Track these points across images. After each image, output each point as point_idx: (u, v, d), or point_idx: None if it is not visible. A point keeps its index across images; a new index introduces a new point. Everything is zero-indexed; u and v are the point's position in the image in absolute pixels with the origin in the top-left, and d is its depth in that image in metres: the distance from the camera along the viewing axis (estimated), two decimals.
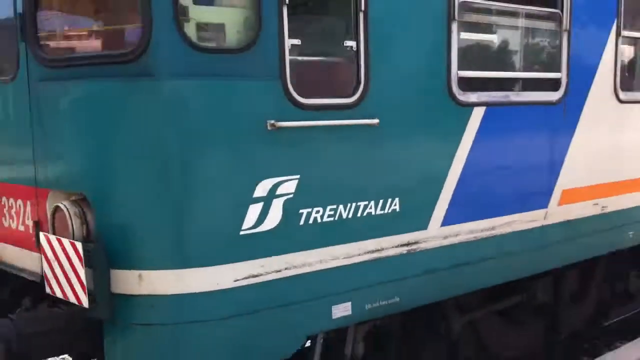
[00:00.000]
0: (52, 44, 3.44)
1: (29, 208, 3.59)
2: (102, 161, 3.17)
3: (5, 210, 3.81)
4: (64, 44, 3.52)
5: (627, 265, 6.22)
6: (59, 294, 3.14)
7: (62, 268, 3.08)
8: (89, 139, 3.20)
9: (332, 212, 3.52)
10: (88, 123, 3.19)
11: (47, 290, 3.22)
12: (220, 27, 3.22)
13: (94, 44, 3.38)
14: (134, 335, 3.16)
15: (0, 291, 4.04)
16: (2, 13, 3.60)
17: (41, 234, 3.20)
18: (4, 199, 3.81)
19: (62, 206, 3.20)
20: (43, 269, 3.23)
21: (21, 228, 3.68)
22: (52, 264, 3.13)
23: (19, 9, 3.40)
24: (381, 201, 3.72)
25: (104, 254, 3.04)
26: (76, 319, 3.22)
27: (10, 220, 3.77)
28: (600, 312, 6.15)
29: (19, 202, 3.67)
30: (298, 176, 3.36)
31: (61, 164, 3.33)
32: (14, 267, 3.77)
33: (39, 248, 3.48)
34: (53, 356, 3.40)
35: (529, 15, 4.58)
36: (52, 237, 3.11)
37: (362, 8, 3.51)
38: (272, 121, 3.23)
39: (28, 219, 3.61)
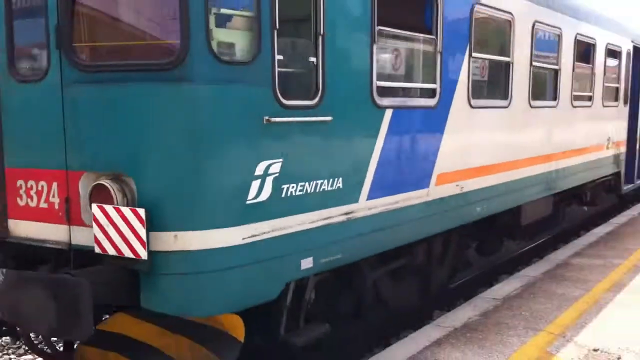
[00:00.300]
0: (89, 52, 4.19)
1: (55, 188, 4.28)
2: (143, 147, 4.02)
3: (22, 192, 4.44)
4: (101, 52, 4.27)
5: (469, 237, 7.97)
6: (111, 252, 3.92)
7: (119, 230, 3.88)
8: (132, 130, 4.02)
9: (301, 188, 4.63)
10: (132, 117, 4.02)
11: (97, 250, 3.98)
12: (232, 45, 4.18)
13: (131, 54, 4.18)
14: (168, 283, 4.03)
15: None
16: (32, 25, 4.30)
17: (94, 205, 3.94)
18: (20, 182, 4.44)
19: (105, 183, 3.99)
20: (93, 233, 3.98)
21: (44, 205, 4.35)
22: (106, 228, 3.91)
23: (55, 21, 4.12)
24: (331, 180, 4.90)
25: (149, 219, 3.90)
26: (120, 273, 4.02)
27: (29, 200, 4.41)
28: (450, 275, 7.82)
29: (42, 183, 4.34)
30: (282, 159, 4.42)
31: (99, 150, 4.10)
32: (33, 239, 4.42)
33: (68, 220, 4.24)
34: (108, 303, 4.13)
35: (417, 40, 5.99)
36: (109, 207, 3.89)
37: (321, 32, 4.67)
38: (267, 117, 4.28)
39: (53, 197, 4.30)
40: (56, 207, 4.30)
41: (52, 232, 4.34)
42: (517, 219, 8.47)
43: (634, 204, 14.46)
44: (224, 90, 4.05)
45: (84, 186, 4.15)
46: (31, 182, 4.39)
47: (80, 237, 4.21)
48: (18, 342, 7.17)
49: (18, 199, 4.47)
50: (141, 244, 3.84)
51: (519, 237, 9.38)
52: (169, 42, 4.04)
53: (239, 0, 4.24)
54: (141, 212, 3.83)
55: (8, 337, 6.56)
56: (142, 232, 3.83)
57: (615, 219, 12.59)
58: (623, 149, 12.29)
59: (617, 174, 12.23)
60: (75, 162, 4.17)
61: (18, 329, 4.93)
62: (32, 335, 5.29)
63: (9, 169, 4.47)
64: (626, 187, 12.73)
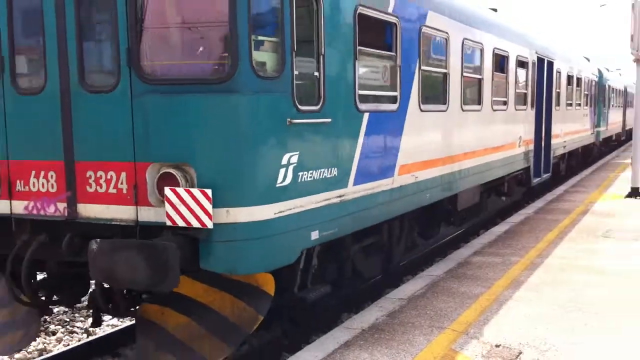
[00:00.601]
0: (154, 68, 5.31)
1: (123, 177, 5.35)
2: (201, 142, 5.17)
3: (91, 181, 5.48)
4: (164, 68, 5.37)
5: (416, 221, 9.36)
6: (181, 224, 5.02)
7: (189, 207, 5.01)
8: (191, 129, 5.17)
9: (310, 175, 5.90)
10: (191, 119, 5.16)
11: (168, 223, 5.05)
12: (264, 64, 5.39)
13: (189, 70, 5.33)
14: (221, 248, 5.17)
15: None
16: (101, 47, 5.45)
17: (167, 188, 5.03)
18: (90, 172, 5.48)
19: (171, 171, 5.12)
20: (184, 212, 5.01)
21: (112, 191, 5.40)
22: (177, 206, 5.01)
23: (125, 44, 5.22)
24: (329, 169, 6.19)
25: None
26: (185, 241, 5.14)
27: (98, 187, 5.45)
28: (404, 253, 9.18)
29: (111, 173, 5.40)
30: (298, 152, 5.66)
31: (164, 146, 5.21)
32: (101, 219, 5.46)
33: (135, 202, 5.33)
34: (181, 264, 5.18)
35: (384, 57, 7.37)
36: (180, 189, 5.01)
37: (322, 52, 5.96)
38: (289, 119, 5.52)
39: (121, 184, 5.36)
40: (124, 192, 5.37)
41: (119, 212, 5.41)
42: (454, 205, 10.09)
43: (539, 197, 16.29)
44: (260, 99, 5.29)
45: (150, 174, 5.26)
46: (100, 173, 5.45)
47: (146, 215, 5.32)
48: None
49: (87, 187, 5.51)
50: (208, 216, 5.00)
51: (455, 222, 10.99)
52: (221, 62, 5.24)
53: (269, 29, 5.45)
54: (208, 192, 4.99)
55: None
56: (209, 207, 4.99)
57: (512, 217, 13.17)
58: (531, 146, 14.19)
59: (527, 169, 14.13)
60: (143, 155, 5.28)
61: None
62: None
63: (79, 162, 5.52)
64: (535, 180, 14.76)
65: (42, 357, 7.37)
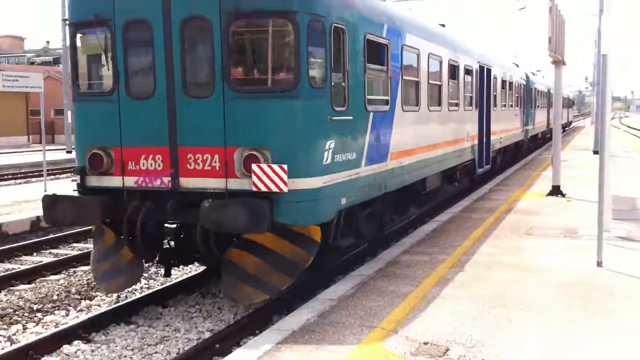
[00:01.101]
0: (241, 81, 7.67)
1: (216, 157, 7.60)
2: (274, 133, 7.50)
3: (191, 161, 7.72)
4: (248, 80, 7.73)
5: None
6: (263, 189, 7.29)
7: (270, 177, 7.26)
8: (267, 124, 7.49)
9: (340, 157, 8.23)
10: (267, 117, 7.50)
11: (254, 189, 7.31)
12: (314, 78, 7.71)
13: (265, 83, 7.65)
14: (288, 206, 7.43)
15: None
16: (199, 65, 7.82)
17: (254, 165, 7.30)
18: (190, 155, 7.71)
19: (255, 153, 7.40)
20: (266, 181, 7.25)
21: (207, 168, 7.66)
22: (262, 177, 7.28)
23: (220, 64, 7.52)
24: (351, 153, 8.56)
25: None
26: (264, 201, 7.31)
27: (196, 165, 7.70)
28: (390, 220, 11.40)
29: (207, 155, 7.64)
30: (334, 141, 8.02)
31: (247, 135, 7.50)
32: (198, 188, 7.73)
33: (226, 175, 7.56)
34: None
35: (380, 70, 9.76)
36: (264, 165, 7.30)
37: (347, 69, 8.31)
38: (330, 117, 7.89)
39: (215, 163, 7.62)
40: (217, 168, 7.65)
41: (213, 183, 7.69)
42: (423, 187, 12.60)
43: (482, 185, 18.30)
44: (314, 104, 7.66)
45: (237, 156, 7.53)
46: (198, 155, 7.72)
47: (234, 184, 7.60)
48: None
49: (187, 165, 7.76)
50: (284, 183, 7.29)
51: (422, 203, 13.42)
52: (289, 77, 7.59)
53: (319, 54, 7.80)
54: (285, 166, 7.30)
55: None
56: (285, 177, 7.28)
57: (439, 216, 13.34)
58: (476, 141, 16.89)
59: (473, 161, 16.83)
60: (232, 142, 7.57)
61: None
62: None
63: (181, 147, 7.76)
64: (479, 171, 17.50)
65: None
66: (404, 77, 10.68)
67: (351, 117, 8.51)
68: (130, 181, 8.06)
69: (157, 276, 10.74)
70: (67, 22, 8.68)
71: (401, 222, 12.99)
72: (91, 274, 9.67)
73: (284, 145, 7.51)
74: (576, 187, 16.69)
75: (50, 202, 8.21)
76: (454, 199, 16.26)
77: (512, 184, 18.45)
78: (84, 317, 8.68)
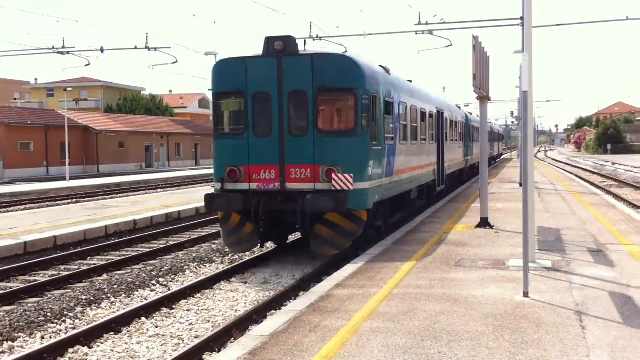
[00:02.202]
0: (325, 126, 13.70)
1: (308, 171, 13.21)
2: (344, 157, 13.22)
3: (292, 172, 13.31)
4: (329, 125, 13.86)
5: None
6: (338, 187, 12.95)
7: (342, 181, 12.91)
8: (340, 151, 13.24)
9: (375, 171, 14.00)
10: (340, 147, 13.30)
11: (333, 188, 13.00)
12: (363, 124, 13.45)
13: (339, 127, 13.96)
14: (353, 197, 12.98)
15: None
16: (298, 115, 13.57)
17: (333, 175, 13.03)
18: (292, 169, 13.32)
19: (332, 167, 13.05)
20: (340, 184, 12.98)
21: (302, 177, 13.23)
22: (337, 181, 12.93)
23: (312, 115, 13.38)
24: (380, 169, 14.36)
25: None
26: (342, 194, 12.93)
27: (296, 175, 13.28)
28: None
29: (302, 170, 13.20)
30: (372, 160, 13.82)
31: (328, 158, 13.16)
32: (296, 189, 13.27)
33: (314, 181, 13.21)
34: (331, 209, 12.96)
35: (389, 118, 15.60)
36: (340, 175, 12.98)
37: (377, 118, 14.21)
38: (371, 147, 13.71)
39: (307, 174, 13.21)
40: (309, 177, 13.25)
41: (305, 186, 13.22)
42: (409, 196, 18.22)
43: (438, 201, 22.70)
44: (363, 139, 13.46)
45: (322, 170, 13.13)
46: (297, 169, 13.30)
47: (319, 186, 13.14)
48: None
49: (290, 176, 13.32)
50: (351, 185, 12.92)
51: (407, 209, 18.67)
52: (350, 125, 13.50)
53: (365, 110, 13.42)
54: (351, 175, 12.90)
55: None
56: (351, 181, 12.90)
57: (371, 249, 13.43)
58: (436, 167, 22.61)
59: (434, 181, 22.42)
60: (318, 162, 13.21)
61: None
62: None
63: (287, 165, 13.32)
64: (438, 189, 23.24)
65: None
66: (400, 122, 16.52)
67: (380, 148, 14.32)
68: (254, 186, 13.62)
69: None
70: (212, 91, 14.27)
71: (295, 281, 13.66)
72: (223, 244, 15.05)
73: (348, 163, 13.15)
74: (504, 219, 17.26)
75: (210, 197, 13.64)
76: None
77: (442, 216, 18.76)
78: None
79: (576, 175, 42.78)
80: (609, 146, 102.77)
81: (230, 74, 13.71)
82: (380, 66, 15.53)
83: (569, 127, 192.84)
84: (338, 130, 13.53)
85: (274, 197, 13.33)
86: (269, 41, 13.31)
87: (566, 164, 69.83)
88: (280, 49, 13.21)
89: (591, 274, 10.36)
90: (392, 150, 15.40)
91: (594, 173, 49.69)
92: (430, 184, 21.54)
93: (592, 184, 34.94)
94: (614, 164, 64.06)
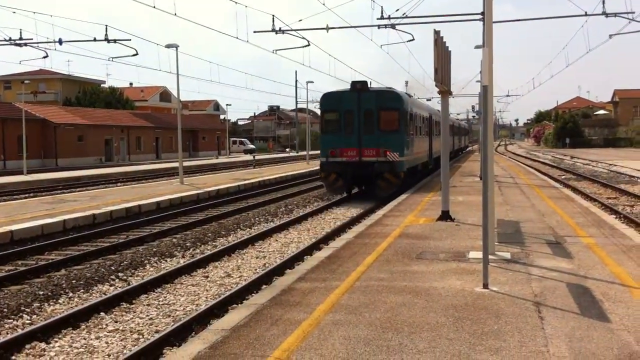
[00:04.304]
0: (382, 127, 25.33)
1: (374, 151, 24.98)
2: (393, 143, 25.01)
3: (366, 152, 24.98)
4: (378, 127, 25.48)
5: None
6: (391, 160, 24.82)
7: (392, 155, 24.86)
8: (391, 140, 25.08)
9: (406, 151, 25.76)
10: (391, 138, 25.13)
11: (389, 160, 24.91)
12: (403, 126, 25.61)
13: (386, 127, 25.39)
14: (398, 165, 24.90)
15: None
16: (370, 123, 25.30)
17: (388, 152, 24.90)
18: (366, 150, 25.01)
19: (387, 149, 24.74)
20: (391, 158, 24.88)
21: (371, 154, 24.96)
22: (389, 156, 24.59)
23: (360, 124, 25.31)
24: (408, 150, 26.28)
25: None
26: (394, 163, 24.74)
27: (368, 154, 24.99)
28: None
29: (371, 150, 25.14)
30: (406, 145, 25.74)
31: (384, 144, 24.93)
32: (368, 161, 25.02)
33: (377, 156, 24.99)
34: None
35: (410, 121, 24.74)
36: (391, 153, 24.89)
37: (408, 124, 25.88)
38: (405, 139, 25.14)
39: (373, 152, 24.85)
40: (374, 154, 24.90)
41: (373, 159, 24.67)
42: (416, 169, 29.41)
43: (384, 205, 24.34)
44: (403, 135, 25.35)
45: (381, 150, 24.76)
46: (368, 150, 24.97)
47: (381, 159, 24.79)
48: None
49: (364, 154, 24.94)
50: (397, 158, 24.67)
51: (415, 177, 28.86)
52: (396, 126, 25.25)
53: (403, 119, 25.38)
54: (397, 152, 25.08)
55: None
56: (397, 155, 24.74)
57: (334, 243, 13.64)
58: (428, 152, 33.21)
59: (427, 161, 33.11)
60: (379, 146, 24.92)
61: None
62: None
63: (363, 148, 24.97)
64: (430, 167, 34.53)
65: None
66: (414, 124, 27.48)
67: (408, 139, 25.83)
68: (344, 159, 24.97)
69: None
70: (320, 108, 26.64)
71: (302, 248, 13.46)
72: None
73: (395, 147, 24.71)
74: (465, 211, 17.44)
75: (322, 164, 25.61)
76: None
77: (404, 209, 18.90)
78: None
79: (535, 169, 43.44)
80: (567, 140, 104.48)
81: (332, 100, 26.02)
82: (406, 93, 30.66)
83: (528, 122, 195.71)
84: (389, 129, 24.90)
85: (355, 165, 24.87)
86: (354, 83, 25.72)
87: (526, 157, 70.88)
88: (360, 87, 25.42)
89: (549, 265, 10.47)
90: (412, 141, 27.01)
91: (552, 167, 50.47)
92: (425, 163, 32.50)
93: (551, 177, 35.52)
94: (572, 157, 65.27)
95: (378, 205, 22.48)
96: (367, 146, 24.54)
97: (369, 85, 25.68)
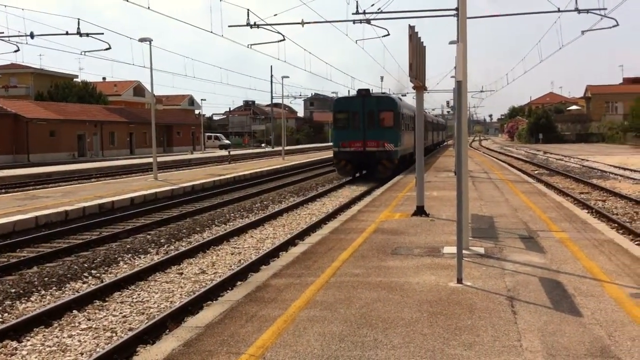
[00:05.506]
0: (376, 125, 32.38)
1: (376, 143, 31.73)
2: (390, 136, 31.98)
3: (369, 144, 31.88)
4: (379, 124, 32.48)
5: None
6: (389, 149, 31.90)
7: (389, 146, 32.03)
8: (388, 134, 32.05)
9: (399, 142, 32.46)
10: (388, 133, 32.20)
11: (387, 149, 32.13)
12: (397, 124, 32.55)
13: (385, 124, 32.97)
14: (393, 153, 31.96)
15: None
16: (372, 119, 32.55)
17: (386, 144, 31.86)
18: (369, 142, 32.01)
19: (385, 141, 31.67)
20: (388, 148, 31.91)
21: (374, 145, 31.98)
22: (387, 146, 31.63)
23: (363, 123, 32.18)
24: (400, 142, 32.90)
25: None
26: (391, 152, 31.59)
27: (371, 145, 31.87)
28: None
29: (374, 142, 31.64)
30: (399, 138, 32.39)
31: (382, 137, 31.78)
32: (371, 151, 32.01)
33: (378, 147, 32.15)
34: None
35: (400, 119, 31.36)
36: (388, 144, 31.71)
37: (400, 122, 32.50)
38: (399, 133, 32.04)
39: (375, 144, 31.74)
40: (376, 145, 31.77)
41: (375, 149, 31.40)
42: (405, 159, 34.86)
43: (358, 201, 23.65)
44: (397, 130, 32.32)
45: (381, 142, 31.50)
46: (371, 142, 31.69)
47: (381, 149, 31.64)
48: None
49: (367, 145, 31.76)
50: (392, 148, 31.50)
51: (404, 165, 34.77)
52: (391, 124, 32.29)
53: (397, 119, 32.36)
54: (393, 144, 31.68)
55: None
56: (393, 146, 31.64)
57: (309, 238, 13.52)
58: (413, 144, 31.89)
59: (412, 152, 33.15)
60: (380, 139, 31.70)
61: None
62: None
63: (366, 141, 31.85)
64: (414, 157, 40.28)
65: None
66: (403, 121, 33.18)
67: (400, 133, 32.46)
68: (352, 149, 31.77)
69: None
70: (334, 109, 34.55)
71: (276, 244, 13.46)
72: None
73: (391, 139, 31.49)
74: (439, 207, 17.56)
75: (335, 153, 32.55)
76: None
77: (379, 204, 18.92)
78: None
79: (509, 164, 43.82)
80: (540, 135, 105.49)
81: (342, 103, 33.95)
82: (399, 97, 38.64)
83: (502, 117, 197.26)
84: (387, 126, 31.73)
85: (360, 154, 31.59)
86: (360, 91, 32.43)
87: (500, 152, 71.47)
88: (364, 93, 32.28)
89: (522, 260, 10.55)
90: (403, 135, 32.96)
91: (526, 162, 50.95)
92: (412, 153, 34.26)
93: (524, 172, 35.84)
94: (545, 152, 65.94)
95: (354, 201, 22.84)
96: (370, 139, 31.33)
97: (370, 92, 33.27)
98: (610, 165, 40.86)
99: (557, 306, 7.93)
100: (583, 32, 32.29)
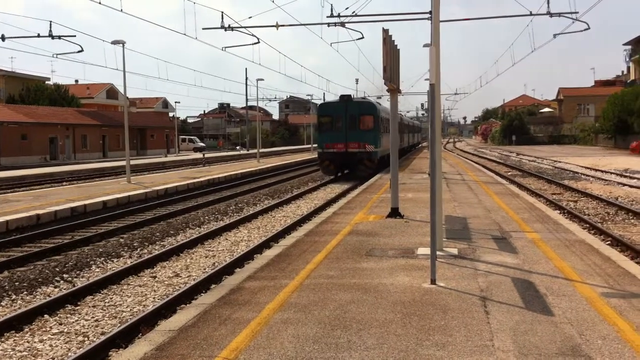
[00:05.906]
0: (362, 126, 34.79)
1: (357, 144, 33.82)
2: (370, 138, 34.14)
3: (351, 145, 34.11)
4: (361, 126, 34.81)
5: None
6: (369, 150, 34.16)
7: (369, 147, 34.23)
8: (368, 136, 34.25)
9: (380, 144, 34.40)
10: (368, 135, 34.36)
11: (368, 150, 34.41)
12: (377, 126, 34.85)
13: (366, 127, 35.63)
14: (374, 154, 34.32)
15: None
16: (354, 122, 34.67)
17: (367, 145, 34.32)
18: (350, 144, 34.20)
19: (366, 143, 33.92)
20: (369, 149, 34.25)
21: (355, 146, 33.91)
22: (368, 147, 34.09)
23: (345, 125, 34.37)
24: (380, 143, 34.60)
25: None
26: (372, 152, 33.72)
27: (352, 146, 34.01)
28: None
29: (355, 143, 33.90)
30: (379, 140, 34.31)
31: (362, 139, 34.10)
32: (352, 152, 34.05)
33: (359, 148, 34.42)
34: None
35: (381, 123, 35.47)
36: (368, 145, 34.67)
37: (380, 125, 34.33)
38: (379, 135, 33.95)
39: (356, 145, 33.69)
40: (358, 147, 33.98)
41: (356, 150, 33.60)
42: (384, 159, 33.08)
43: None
44: (377, 132, 34.32)
45: (361, 144, 33.83)
46: (352, 143, 33.90)
47: (362, 150, 33.99)
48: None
49: (350, 145, 33.99)
50: (373, 149, 33.99)
51: (384, 165, 33.18)
52: (370, 127, 34.60)
53: (377, 122, 34.61)
54: (373, 145, 34.03)
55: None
56: (373, 147, 34.42)
57: (284, 241, 13.48)
58: (389, 146, 34.01)
59: (389, 154, 36.21)
60: (360, 140, 34.09)
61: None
62: None
63: (348, 143, 33.86)
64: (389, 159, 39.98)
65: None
66: (382, 124, 34.42)
67: (380, 136, 34.08)
68: (335, 150, 33.92)
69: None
70: (318, 113, 36.78)
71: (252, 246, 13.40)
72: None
73: (372, 141, 33.71)
74: (414, 208, 17.63)
75: (319, 154, 34.92)
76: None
77: (354, 206, 18.94)
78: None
79: (482, 166, 44.13)
80: (513, 137, 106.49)
81: (326, 108, 36.23)
82: (378, 102, 39.56)
83: (476, 119, 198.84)
84: (368, 128, 33.88)
85: (343, 155, 33.60)
86: (342, 96, 34.69)
87: (473, 154, 71.98)
88: (346, 99, 34.51)
89: (495, 260, 10.65)
90: (382, 137, 34.15)
91: (499, 163, 51.34)
92: (387, 155, 39.81)
93: (497, 173, 36.13)
94: (518, 154, 66.55)
95: (329, 203, 22.79)
96: (352, 140, 33.58)
97: (352, 97, 36.10)
98: (582, 167, 41.37)
99: (529, 306, 8.00)
100: (555, 35, 32.72)
